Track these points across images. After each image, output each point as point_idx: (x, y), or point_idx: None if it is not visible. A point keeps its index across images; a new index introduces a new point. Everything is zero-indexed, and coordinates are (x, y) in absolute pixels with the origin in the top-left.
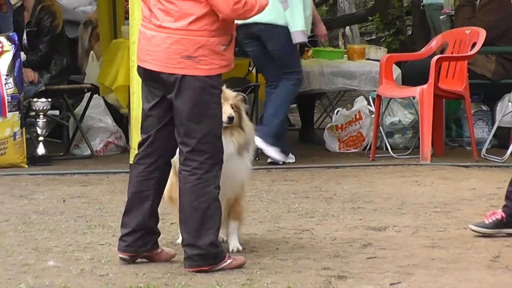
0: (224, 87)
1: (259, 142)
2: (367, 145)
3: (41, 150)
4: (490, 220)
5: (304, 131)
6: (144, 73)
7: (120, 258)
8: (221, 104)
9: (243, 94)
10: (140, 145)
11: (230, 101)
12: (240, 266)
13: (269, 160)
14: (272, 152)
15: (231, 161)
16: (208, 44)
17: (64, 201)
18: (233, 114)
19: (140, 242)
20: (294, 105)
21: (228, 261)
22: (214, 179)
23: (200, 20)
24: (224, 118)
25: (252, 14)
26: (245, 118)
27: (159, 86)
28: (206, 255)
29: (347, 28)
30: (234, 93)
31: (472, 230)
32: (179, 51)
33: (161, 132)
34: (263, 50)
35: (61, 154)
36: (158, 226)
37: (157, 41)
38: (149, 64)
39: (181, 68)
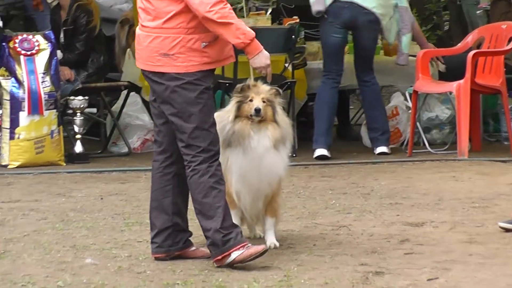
0: (259, 82)
1: (385, 149)
2: (404, 140)
3: (78, 148)
4: None
5: (341, 127)
6: (141, 71)
7: (155, 259)
8: (211, 98)
9: (278, 88)
10: (154, 141)
11: (262, 95)
12: (256, 254)
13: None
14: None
15: (267, 155)
16: (185, 42)
17: (101, 198)
18: (260, 106)
19: (169, 242)
20: None
21: (241, 251)
22: (207, 169)
23: (176, 17)
24: (251, 111)
25: (223, 31)
26: (280, 112)
27: (151, 83)
28: (214, 243)
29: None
30: (268, 87)
31: (501, 227)
32: (157, 49)
33: (166, 126)
34: (345, 42)
35: (98, 151)
36: (189, 224)
37: (140, 40)
38: (138, 62)
39: (159, 66)
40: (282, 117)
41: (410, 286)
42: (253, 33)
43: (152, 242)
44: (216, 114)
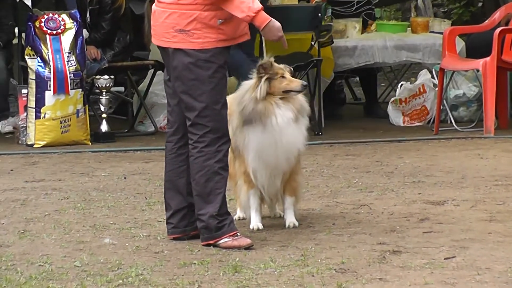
0: (272, 59)
1: None
2: (431, 118)
3: (104, 127)
4: None
5: (368, 105)
6: (158, 48)
7: (172, 239)
8: (225, 77)
9: (289, 67)
10: (168, 121)
11: (287, 72)
12: (240, 247)
13: None
14: None
15: (289, 129)
16: (201, 18)
17: (125, 178)
18: (304, 82)
19: (185, 222)
20: (357, 79)
21: (229, 239)
22: (215, 153)
23: None
24: (298, 86)
25: (227, 5)
26: None
27: (167, 60)
28: (208, 228)
29: (420, 0)
30: (281, 65)
31: None
32: (172, 25)
33: (179, 106)
34: None
35: (125, 130)
36: None
37: (156, 16)
38: (153, 39)
39: (175, 42)
40: None
41: (426, 265)
42: (259, 6)
43: (167, 223)
44: (235, 95)
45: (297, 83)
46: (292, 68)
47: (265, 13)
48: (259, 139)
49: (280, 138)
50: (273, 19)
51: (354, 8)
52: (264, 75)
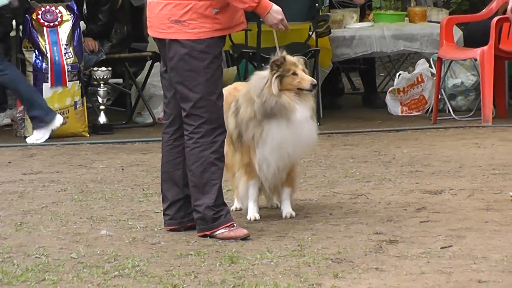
0: (285, 54)
1: None
2: (429, 108)
3: (102, 119)
4: None
5: (367, 95)
6: (154, 39)
7: (169, 230)
8: (220, 68)
9: (304, 58)
10: (164, 113)
11: (300, 66)
12: (236, 238)
13: None
14: None
15: (307, 125)
16: (196, 8)
17: (122, 169)
18: (314, 81)
19: (181, 213)
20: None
21: (225, 231)
22: (210, 144)
23: None
24: (308, 85)
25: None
26: None
27: (163, 51)
28: (204, 218)
29: None
30: (295, 58)
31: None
32: (168, 16)
33: (175, 98)
34: None
35: (123, 122)
36: None
37: (152, 8)
38: (149, 30)
39: (170, 33)
40: None
41: (423, 254)
42: None
43: (164, 214)
44: (234, 86)
45: (307, 82)
46: (306, 59)
47: (266, 0)
48: (282, 133)
49: (300, 133)
50: (273, 4)
51: None
52: (275, 72)
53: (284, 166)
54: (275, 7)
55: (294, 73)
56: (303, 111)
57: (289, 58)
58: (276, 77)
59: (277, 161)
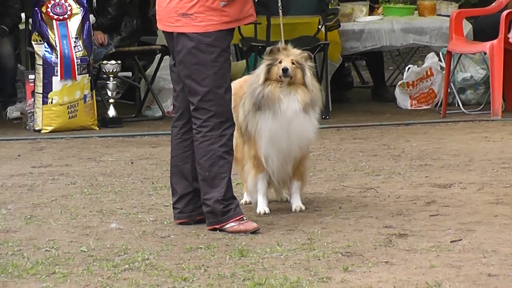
0: (289, 45)
1: None
2: (438, 101)
3: (111, 112)
4: None
5: (376, 88)
6: (163, 32)
7: (179, 224)
8: (228, 61)
9: (308, 52)
10: (173, 106)
11: (291, 57)
12: (246, 231)
13: None
14: None
15: (297, 119)
16: (204, 1)
17: (132, 162)
18: (288, 66)
19: (191, 207)
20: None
21: (235, 224)
22: (219, 137)
23: None
24: (280, 71)
25: None
26: (310, 76)
27: (171, 45)
28: (213, 212)
29: None
30: (298, 51)
31: None
32: (176, 9)
33: (184, 92)
34: None
35: (133, 115)
36: None
37: (160, 1)
38: (158, 24)
39: (178, 26)
40: (312, 81)
41: (433, 248)
42: None
43: (174, 208)
44: (244, 79)
45: (279, 68)
46: (311, 54)
47: None
48: (270, 126)
49: (290, 127)
50: None
51: None
52: (265, 60)
53: (288, 159)
54: None
55: (280, 62)
56: (289, 102)
57: (284, 48)
58: (266, 65)
59: (277, 154)
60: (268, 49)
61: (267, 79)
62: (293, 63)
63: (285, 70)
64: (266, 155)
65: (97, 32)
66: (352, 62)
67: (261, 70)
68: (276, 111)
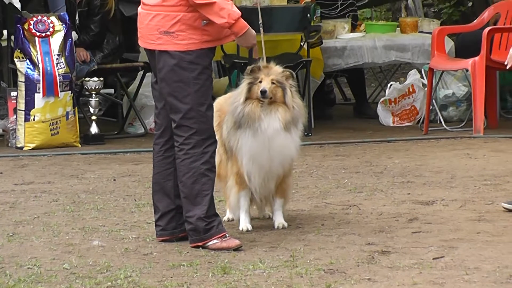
0: (271, 63)
1: None
2: (421, 118)
3: (94, 129)
4: None
5: (358, 105)
6: (144, 50)
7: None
8: (210, 79)
9: (290, 71)
10: (155, 124)
11: (271, 76)
12: (229, 248)
13: None
14: None
15: (278, 137)
16: (185, 19)
17: (114, 180)
18: (266, 88)
19: (173, 224)
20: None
21: (218, 241)
22: (201, 155)
23: None
24: (257, 92)
25: (206, 11)
26: (291, 94)
27: (153, 62)
28: (196, 230)
29: (410, 0)
30: (280, 69)
31: (504, 208)
32: (157, 27)
33: (165, 109)
34: None
35: (115, 132)
36: None
37: (141, 19)
38: (140, 41)
39: (160, 44)
40: (293, 99)
41: (415, 265)
42: (238, 13)
43: (156, 225)
44: (229, 95)
45: (259, 88)
46: (293, 72)
47: (243, 21)
48: (250, 144)
49: (270, 144)
50: (250, 27)
51: (338, 10)
52: (246, 79)
53: (270, 176)
54: (252, 32)
55: (260, 81)
56: (270, 121)
57: (265, 66)
58: (247, 84)
59: (259, 172)
60: (248, 68)
61: (248, 98)
62: (273, 83)
63: (263, 92)
64: (249, 172)
65: (80, 49)
66: (334, 79)
67: (242, 88)
68: (256, 129)
